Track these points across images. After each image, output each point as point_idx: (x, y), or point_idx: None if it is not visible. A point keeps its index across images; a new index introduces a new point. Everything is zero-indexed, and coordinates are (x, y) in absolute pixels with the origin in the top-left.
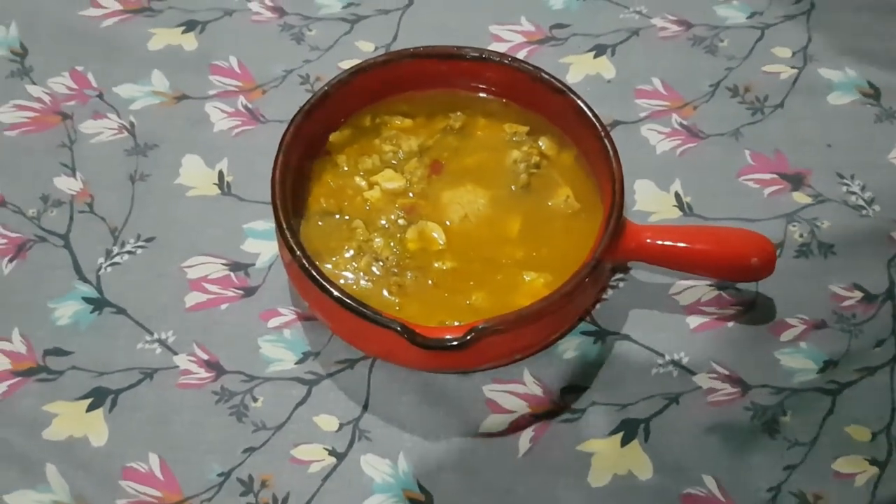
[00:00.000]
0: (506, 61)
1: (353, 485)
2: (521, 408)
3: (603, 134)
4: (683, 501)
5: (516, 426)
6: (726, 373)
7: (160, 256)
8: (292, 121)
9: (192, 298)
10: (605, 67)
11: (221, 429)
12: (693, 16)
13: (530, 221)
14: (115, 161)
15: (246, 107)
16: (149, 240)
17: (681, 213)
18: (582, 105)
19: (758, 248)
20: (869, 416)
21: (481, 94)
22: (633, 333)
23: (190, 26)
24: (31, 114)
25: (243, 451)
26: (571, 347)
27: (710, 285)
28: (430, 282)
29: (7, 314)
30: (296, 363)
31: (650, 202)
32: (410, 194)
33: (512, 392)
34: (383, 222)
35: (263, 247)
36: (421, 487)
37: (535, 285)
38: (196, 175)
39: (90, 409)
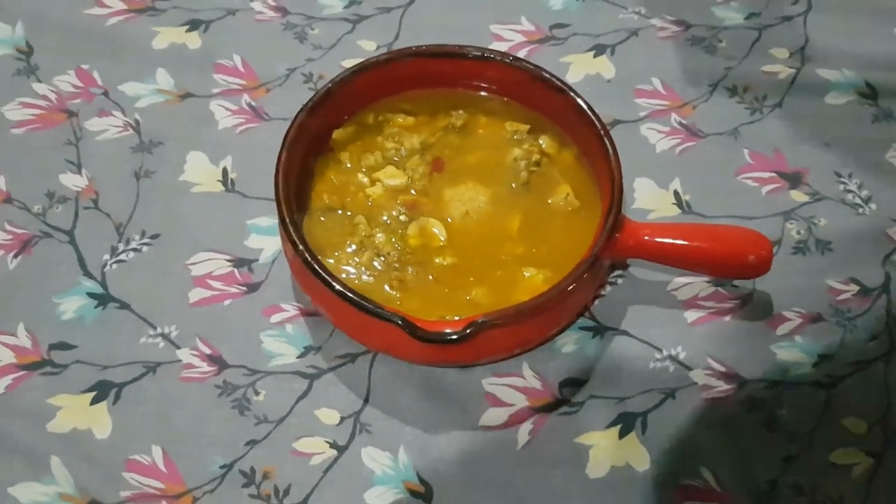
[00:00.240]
0: (507, 60)
1: (354, 477)
2: (521, 401)
3: (603, 132)
4: (680, 493)
5: (515, 419)
6: (722, 369)
7: (165, 253)
8: (296, 117)
9: (196, 294)
10: (604, 67)
11: (224, 422)
12: (691, 16)
13: (530, 219)
14: (121, 158)
15: (250, 105)
16: (154, 236)
17: (680, 211)
18: (582, 104)
19: (755, 246)
20: (864, 409)
21: (483, 93)
22: (631, 329)
23: (194, 25)
24: (37, 111)
25: (245, 444)
26: (570, 342)
27: (708, 281)
28: (430, 277)
29: (12, 309)
30: (297, 357)
31: (649, 200)
32: (412, 191)
33: (511, 386)
34: (385, 218)
35: (267, 242)
36: (421, 479)
37: (534, 281)
38: (200, 172)
39: (94, 402)
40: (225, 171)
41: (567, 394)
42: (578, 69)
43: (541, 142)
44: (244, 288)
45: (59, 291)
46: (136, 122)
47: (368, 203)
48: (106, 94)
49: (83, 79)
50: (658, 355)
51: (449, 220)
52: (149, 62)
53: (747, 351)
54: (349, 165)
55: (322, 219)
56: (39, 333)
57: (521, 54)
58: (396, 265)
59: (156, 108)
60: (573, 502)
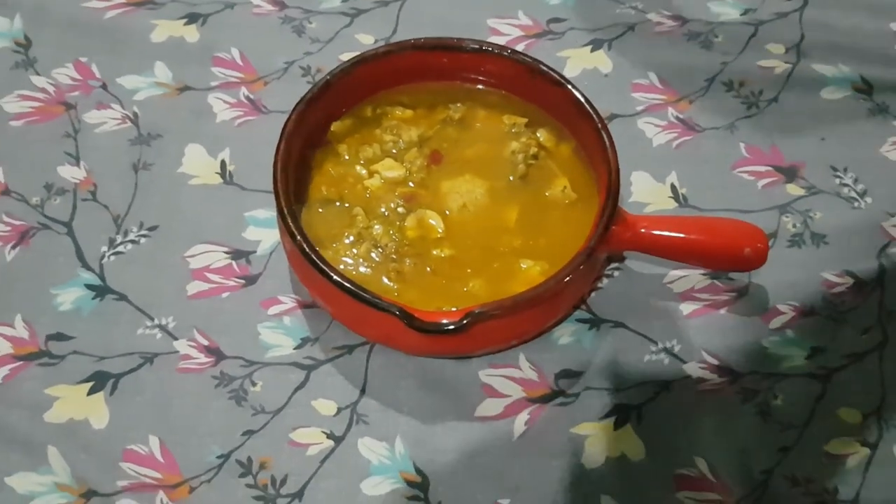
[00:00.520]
0: (505, 53)
1: (351, 467)
2: (517, 392)
3: (600, 126)
4: (676, 482)
5: (512, 410)
6: (716, 363)
7: (163, 245)
8: (294, 109)
9: (194, 287)
10: (601, 61)
11: (221, 412)
12: (688, 11)
13: (528, 211)
14: (119, 150)
15: (248, 98)
16: (152, 228)
17: (676, 205)
18: (580, 97)
19: (751, 239)
20: (859, 399)
21: (481, 86)
22: (627, 321)
23: (192, 18)
24: (36, 104)
25: (242, 434)
26: (567, 334)
27: (704, 274)
28: (428, 269)
29: (10, 300)
30: (294, 349)
31: (646, 193)
32: (410, 183)
33: (508, 377)
34: (383, 210)
35: (265, 234)
36: (418, 470)
37: (531, 273)
38: (198, 164)
39: (91, 392)
40: (223, 163)
41: (563, 385)
42: (576, 64)
43: (538, 135)
44: (242, 281)
45: (56, 283)
46: (135, 114)
47: (366, 195)
48: (104, 86)
49: (81, 71)
50: (653, 348)
51: (447, 212)
52: (147, 55)
53: (742, 344)
54: (347, 158)
55: (320, 211)
56: (37, 324)
57: (519, 49)
58: (394, 257)
59: (154, 100)
60: (569, 492)
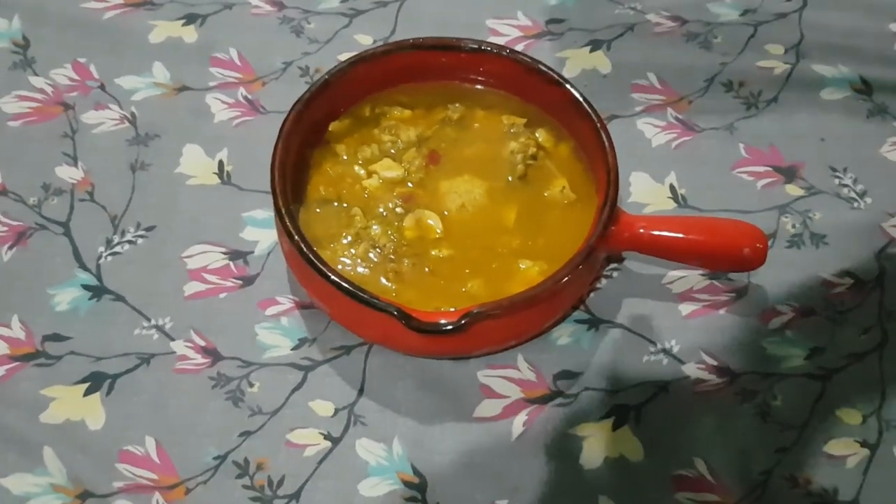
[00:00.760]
0: (504, 53)
1: (348, 468)
2: (515, 393)
3: (599, 125)
4: (674, 483)
5: (510, 411)
6: (714, 363)
7: (160, 245)
8: (293, 108)
9: (192, 288)
10: (601, 62)
11: (218, 413)
12: (687, 12)
13: (526, 211)
14: (117, 151)
15: (246, 98)
16: (149, 228)
17: (675, 205)
18: (579, 97)
19: (750, 239)
20: (859, 400)
21: (479, 86)
22: (626, 322)
23: (190, 19)
24: (34, 104)
25: (239, 435)
26: (565, 334)
27: (703, 274)
28: (426, 269)
29: (6, 300)
30: (292, 349)
31: (645, 194)
32: (408, 183)
33: (506, 377)
34: (381, 210)
35: (262, 235)
36: (415, 471)
37: (530, 273)
38: (196, 164)
39: (87, 393)
40: (221, 163)
41: (562, 386)
42: (575, 64)
43: (537, 135)
44: (240, 281)
45: (53, 283)
46: (133, 115)
47: (365, 195)
48: (102, 87)
49: (80, 72)
50: (652, 348)
51: (445, 212)
52: (145, 56)
53: (740, 344)
54: (346, 157)
55: (318, 211)
56: (33, 325)
57: (518, 49)
58: (392, 257)
59: (152, 101)
60: (567, 493)
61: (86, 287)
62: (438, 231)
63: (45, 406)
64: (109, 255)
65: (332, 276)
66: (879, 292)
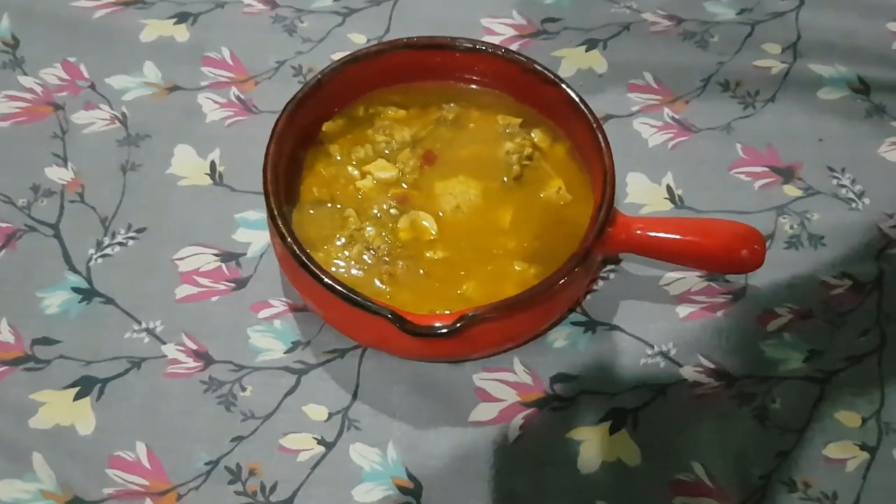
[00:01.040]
0: (499, 53)
1: (342, 473)
2: (511, 396)
3: (595, 126)
4: (672, 487)
5: (506, 414)
6: (712, 366)
7: (151, 247)
8: (285, 109)
9: (183, 291)
10: (596, 61)
11: (209, 418)
12: (683, 11)
13: (522, 213)
14: (107, 151)
15: (238, 98)
16: (140, 230)
17: (672, 206)
18: (574, 97)
19: (748, 241)
20: (858, 403)
21: (474, 86)
22: (623, 324)
23: (182, 18)
24: (23, 104)
25: (231, 440)
26: (562, 337)
27: (700, 276)
28: (421, 271)
29: None
30: (285, 353)
31: (642, 195)
32: (403, 184)
33: (502, 381)
34: (375, 212)
35: (255, 236)
36: (410, 476)
37: (526, 275)
38: (188, 165)
39: (77, 397)
40: (213, 164)
41: (558, 389)
42: (570, 63)
43: (533, 136)
44: (232, 284)
45: (43, 286)
46: (123, 115)
47: (358, 196)
48: (93, 86)
49: (70, 71)
50: (649, 351)
51: (440, 213)
52: (136, 55)
53: (738, 347)
54: (339, 158)
55: (311, 212)
56: (23, 328)
57: (513, 49)
58: (387, 259)
59: (143, 101)
60: (564, 498)
61: (76, 290)
62: (433, 233)
63: (35, 411)
64: (100, 257)
65: (326, 279)
66: (878, 294)
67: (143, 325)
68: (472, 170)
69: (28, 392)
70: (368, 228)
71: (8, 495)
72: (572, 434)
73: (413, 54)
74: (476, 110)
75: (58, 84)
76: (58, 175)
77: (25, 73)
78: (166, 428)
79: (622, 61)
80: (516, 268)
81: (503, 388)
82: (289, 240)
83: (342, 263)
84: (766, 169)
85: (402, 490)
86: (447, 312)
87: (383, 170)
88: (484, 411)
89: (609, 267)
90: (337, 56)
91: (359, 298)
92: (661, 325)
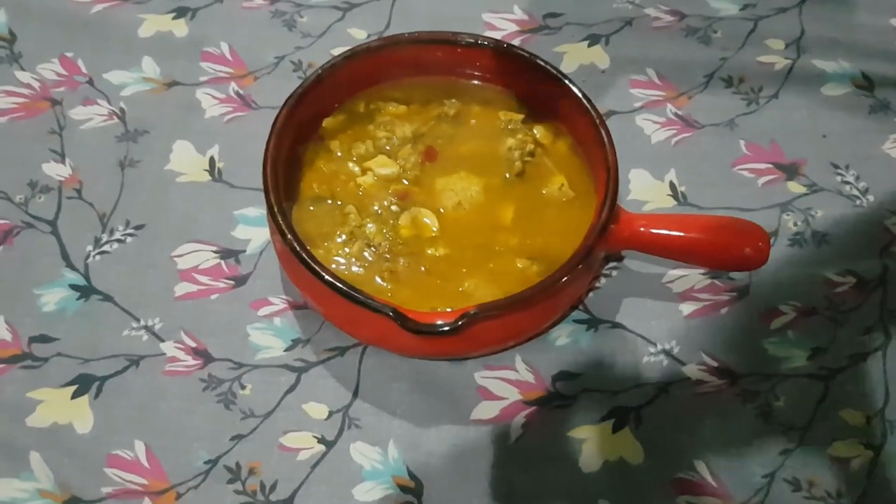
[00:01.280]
0: (501, 48)
1: (343, 472)
2: (513, 394)
3: (598, 122)
4: (675, 486)
5: (508, 413)
6: (715, 364)
7: (150, 243)
8: (285, 104)
9: (182, 288)
10: (599, 57)
11: (209, 416)
12: (686, 6)
13: (524, 209)
14: (105, 147)
15: (237, 93)
16: (138, 227)
17: (675, 203)
18: (577, 93)
19: (752, 238)
20: (863, 401)
21: (476, 82)
22: (626, 321)
23: (181, 13)
24: (20, 100)
25: (231, 439)
26: (564, 335)
27: (704, 273)
28: (422, 268)
29: None
30: (285, 350)
31: (645, 191)
32: (404, 181)
33: (504, 379)
34: (376, 208)
35: (254, 233)
36: (411, 474)
37: (528, 273)
38: (187, 161)
39: (75, 395)
40: (212, 160)
41: (560, 387)
42: (572, 59)
43: (535, 131)
44: (231, 282)
45: (40, 283)
46: (122, 110)
47: (359, 193)
48: (90, 82)
49: (67, 67)
50: (652, 349)
51: (441, 210)
52: (134, 50)
53: (741, 345)
54: (339, 154)
55: (311, 208)
56: (20, 326)
57: (514, 44)
58: (388, 256)
59: (141, 96)
60: (566, 497)
61: (73, 287)
62: (434, 229)
63: (32, 409)
64: (98, 254)
65: (326, 276)
66: (882, 291)
67: (142, 323)
68: (474, 166)
69: (25, 390)
70: (369, 225)
71: (5, 495)
72: (574, 432)
73: (414, 49)
74: (477, 106)
75: (55, 79)
76: (55, 171)
77: (22, 69)
78: (165, 426)
79: (624, 57)
80: (518, 265)
81: (505, 387)
82: (289, 236)
83: (343, 260)
84: (769, 165)
85: (403, 489)
86: (449, 310)
87: (384, 166)
88: (485, 409)
89: (612, 264)
90: (337, 51)
91: (360, 296)
92: (663, 323)
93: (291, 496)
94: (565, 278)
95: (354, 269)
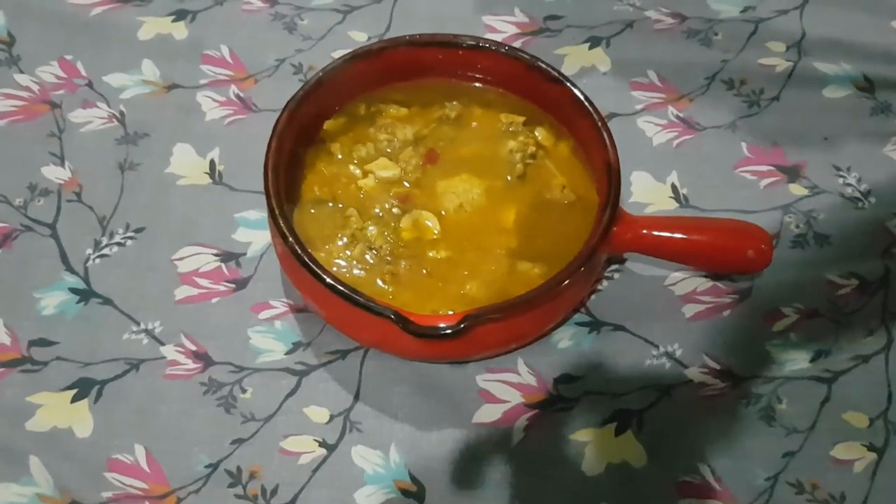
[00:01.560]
0: (502, 50)
1: (344, 476)
2: (515, 397)
3: (600, 123)
4: (678, 489)
5: (510, 416)
6: (717, 367)
7: (150, 247)
8: (286, 107)
9: (182, 292)
10: (600, 59)
11: (209, 420)
12: (687, 9)
13: (526, 212)
14: (105, 150)
15: (238, 96)
16: (138, 230)
17: (677, 205)
18: (579, 94)
19: (755, 240)
20: (866, 403)
21: (477, 84)
22: (628, 324)
23: (180, 15)
24: (20, 103)
25: (231, 443)
26: (566, 337)
27: (706, 276)
28: (423, 271)
29: None
30: (286, 354)
31: (646, 193)
32: (405, 183)
33: (506, 382)
34: (377, 211)
35: (255, 236)
36: (413, 478)
37: (530, 275)
38: (187, 164)
39: (75, 399)
40: (212, 163)
41: (562, 390)
42: (573, 61)
43: (536, 134)
44: (232, 285)
45: (39, 286)
46: (121, 113)
47: (360, 195)
48: (90, 85)
49: (67, 70)
50: (654, 352)
51: (443, 212)
52: (134, 53)
53: (744, 347)
54: (340, 157)
55: (312, 211)
56: (19, 329)
57: (515, 46)
58: (389, 259)
59: (141, 99)
60: (569, 500)
61: (73, 290)
62: (436, 232)
63: (32, 413)
64: (97, 257)
65: (327, 279)
66: (884, 293)
67: (142, 326)
68: (475, 168)
69: (25, 394)
70: (370, 228)
71: (4, 499)
72: (577, 435)
73: (415, 52)
74: (479, 108)
75: (55, 82)
76: (55, 174)
77: (22, 71)
78: (165, 430)
79: (625, 59)
80: (520, 267)
81: (507, 390)
82: (290, 239)
83: (344, 263)
84: (771, 168)
85: (405, 493)
86: (450, 313)
87: (385, 168)
88: (487, 413)
89: (614, 267)
90: (337, 54)
91: (361, 299)
92: (666, 326)
93: (293, 500)
94: (567, 281)
95: (356, 271)
